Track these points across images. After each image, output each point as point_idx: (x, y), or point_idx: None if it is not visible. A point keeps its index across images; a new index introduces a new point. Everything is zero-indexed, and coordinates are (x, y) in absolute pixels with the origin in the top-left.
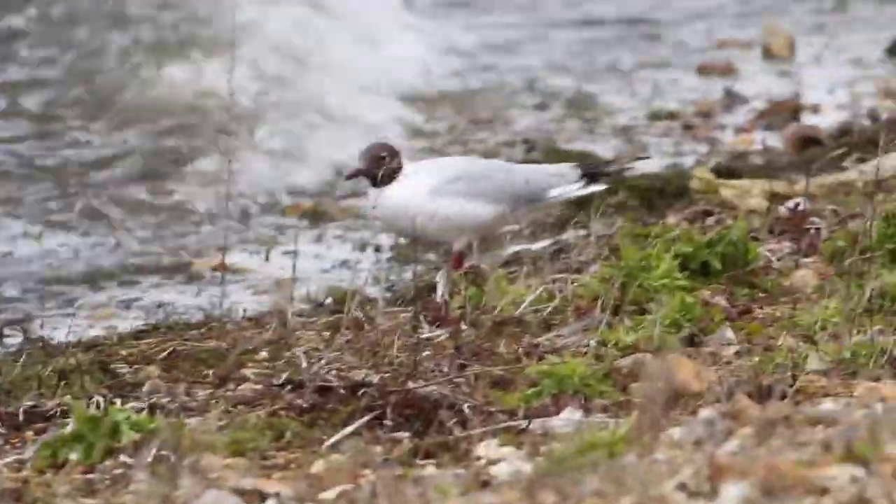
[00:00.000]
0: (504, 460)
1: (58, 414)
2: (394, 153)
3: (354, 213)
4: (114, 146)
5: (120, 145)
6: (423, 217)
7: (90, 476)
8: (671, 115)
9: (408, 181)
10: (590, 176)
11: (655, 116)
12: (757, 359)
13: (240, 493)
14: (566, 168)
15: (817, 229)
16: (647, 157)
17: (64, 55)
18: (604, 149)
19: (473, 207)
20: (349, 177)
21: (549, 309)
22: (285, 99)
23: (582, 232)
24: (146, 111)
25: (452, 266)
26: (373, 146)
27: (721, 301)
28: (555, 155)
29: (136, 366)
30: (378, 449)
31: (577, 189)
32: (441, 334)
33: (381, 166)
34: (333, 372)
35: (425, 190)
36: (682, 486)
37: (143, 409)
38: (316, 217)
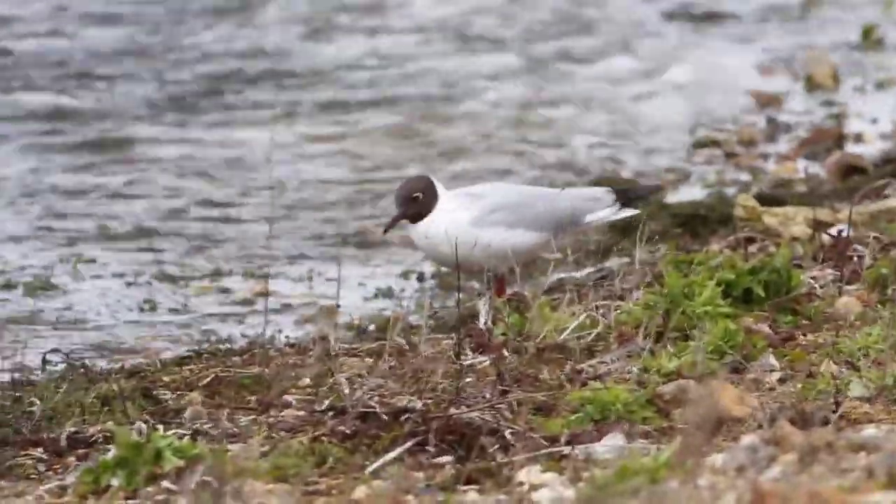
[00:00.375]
0: (546, 486)
1: (100, 440)
2: (427, 187)
3: (399, 240)
4: None
5: None
6: (464, 247)
7: (132, 502)
8: (714, 143)
9: (446, 213)
10: (624, 199)
11: (699, 144)
12: (800, 385)
13: None
14: (601, 192)
15: (860, 257)
16: (676, 182)
17: None
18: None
19: (514, 235)
20: (388, 229)
21: (592, 335)
22: None
23: (625, 259)
24: None
25: (495, 292)
26: (405, 186)
27: (764, 328)
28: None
29: (178, 392)
30: (420, 475)
31: (612, 213)
32: (484, 361)
33: (416, 205)
34: (376, 398)
35: (466, 221)
36: None
37: (185, 436)
38: (361, 244)
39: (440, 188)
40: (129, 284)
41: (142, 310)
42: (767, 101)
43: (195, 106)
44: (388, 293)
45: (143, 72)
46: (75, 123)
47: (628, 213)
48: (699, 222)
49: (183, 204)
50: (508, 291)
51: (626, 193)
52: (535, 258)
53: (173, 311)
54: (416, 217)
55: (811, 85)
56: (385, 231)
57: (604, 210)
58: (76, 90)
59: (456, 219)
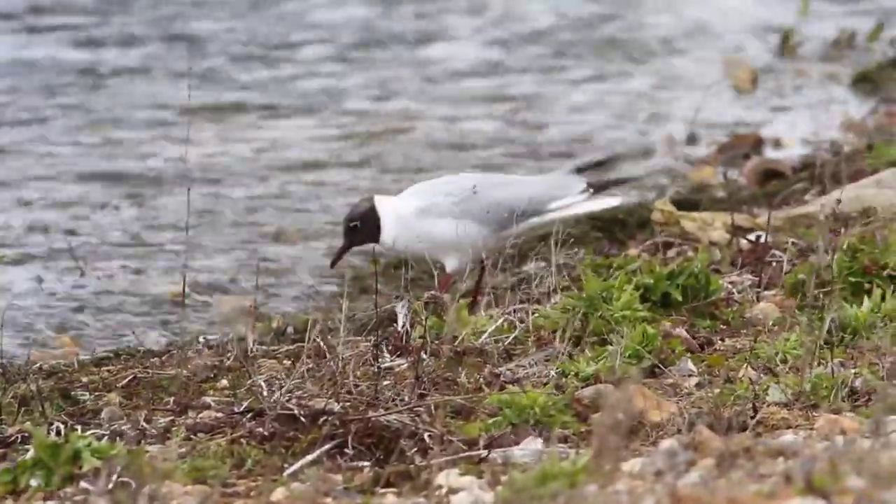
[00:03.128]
0: (465, 489)
1: (18, 440)
2: (362, 213)
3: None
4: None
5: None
6: (409, 239)
7: (51, 502)
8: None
9: (387, 217)
10: (597, 187)
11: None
12: (718, 390)
13: None
14: (570, 178)
15: (778, 262)
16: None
17: None
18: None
19: (460, 226)
20: (334, 263)
21: (510, 339)
22: None
23: (543, 263)
24: None
25: (439, 288)
26: (344, 220)
27: (682, 333)
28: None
29: (96, 392)
30: (339, 477)
31: (582, 201)
32: (402, 363)
33: (357, 234)
34: (294, 400)
35: (411, 213)
36: None
37: (104, 436)
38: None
39: (384, 200)
40: (42, 281)
41: (60, 308)
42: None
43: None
44: (307, 295)
45: None
46: None
47: (604, 202)
48: (617, 226)
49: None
50: (445, 288)
51: (597, 179)
52: (493, 251)
53: (93, 310)
54: (368, 239)
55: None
56: (332, 265)
57: (572, 198)
58: None
59: (402, 214)
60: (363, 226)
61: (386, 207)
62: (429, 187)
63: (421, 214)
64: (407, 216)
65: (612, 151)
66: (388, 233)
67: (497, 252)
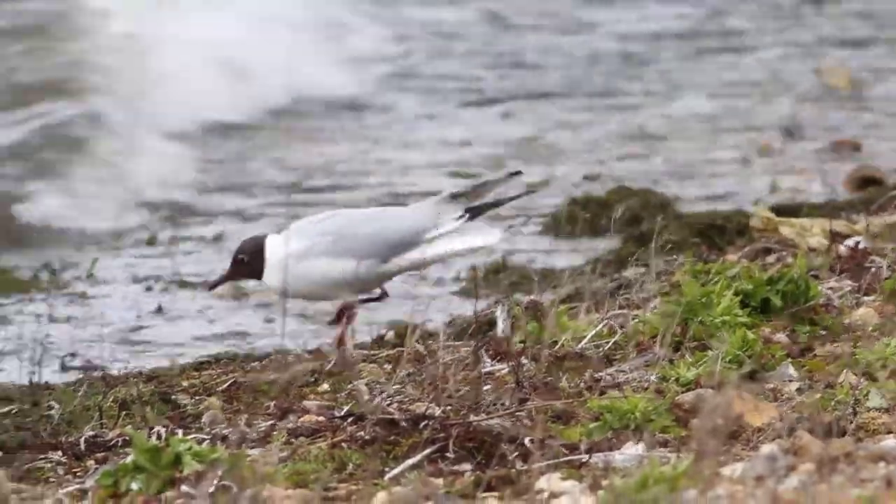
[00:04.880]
0: (566, 494)
1: (119, 444)
2: (252, 247)
3: None
4: None
5: None
6: (294, 281)
7: None
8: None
9: (273, 257)
10: (473, 211)
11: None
12: (818, 395)
13: None
14: (444, 206)
15: (878, 268)
16: (519, 173)
17: None
18: (665, 187)
19: (338, 265)
20: (212, 287)
21: (610, 344)
22: None
23: (642, 268)
24: None
25: (336, 321)
26: (234, 251)
27: (782, 338)
28: (619, 192)
29: (197, 397)
30: (440, 481)
31: (458, 234)
32: (502, 368)
33: (242, 267)
34: (395, 404)
35: (293, 255)
36: None
37: (204, 440)
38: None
39: (272, 239)
40: (148, 289)
41: (160, 314)
42: None
43: None
44: (405, 298)
45: None
46: None
47: (482, 238)
48: (716, 232)
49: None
50: (351, 319)
51: (471, 203)
52: (375, 285)
53: (191, 315)
54: (252, 274)
55: (828, 94)
56: (210, 289)
57: (447, 226)
58: None
59: (283, 257)
60: (249, 262)
61: (271, 249)
62: (307, 226)
63: (301, 257)
64: (288, 259)
65: (487, 176)
66: (272, 275)
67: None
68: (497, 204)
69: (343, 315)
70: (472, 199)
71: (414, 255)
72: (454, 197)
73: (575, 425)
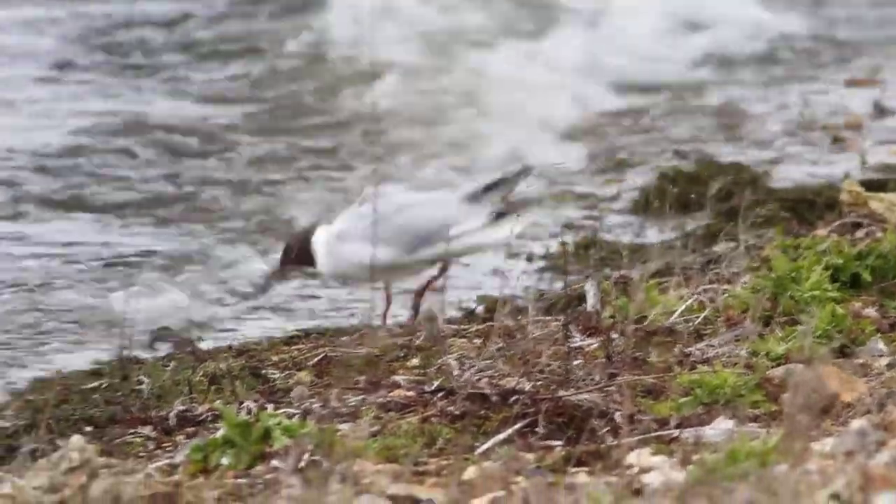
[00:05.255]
0: (655, 469)
1: (209, 419)
2: (297, 241)
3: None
4: None
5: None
6: (336, 264)
7: (241, 481)
8: (822, 127)
9: (317, 242)
10: (499, 213)
11: (804, 129)
12: None
13: (392, 498)
14: (474, 201)
15: None
16: (530, 169)
17: None
18: (753, 160)
19: (371, 251)
20: (265, 288)
21: (700, 319)
22: None
23: (732, 243)
24: None
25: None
26: (284, 245)
27: (872, 313)
28: (709, 167)
29: (287, 371)
30: (530, 456)
31: (481, 229)
32: (592, 343)
33: (292, 260)
34: (485, 379)
35: (334, 235)
36: (834, 497)
37: (294, 415)
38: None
39: (320, 229)
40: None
41: (249, 288)
42: (871, 84)
43: None
44: (496, 274)
45: None
46: None
47: (505, 230)
48: (805, 207)
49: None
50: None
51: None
52: (407, 275)
53: (282, 289)
54: (302, 264)
55: None
56: (263, 292)
57: (475, 221)
58: None
59: (327, 240)
60: (297, 254)
61: (318, 235)
62: (352, 210)
63: (340, 238)
64: (331, 242)
65: (517, 168)
66: (321, 260)
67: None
68: (521, 204)
69: (423, 292)
70: (489, 192)
71: (438, 250)
72: (475, 195)
73: (665, 400)
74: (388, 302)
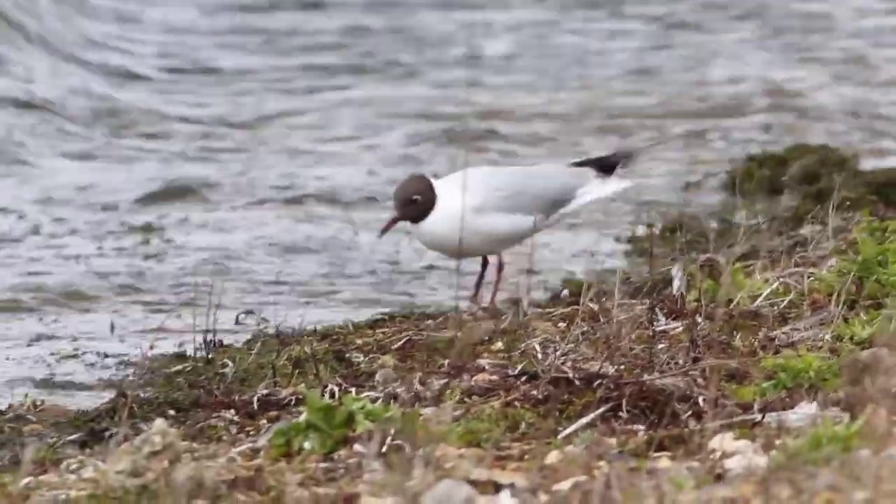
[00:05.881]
0: (739, 453)
1: (292, 402)
2: (425, 188)
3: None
4: None
5: None
6: (468, 235)
7: (324, 465)
8: None
9: (448, 207)
10: (604, 169)
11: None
12: None
13: (474, 483)
14: (583, 169)
15: None
16: (660, 143)
17: None
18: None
19: (514, 220)
20: (384, 231)
21: (785, 303)
22: None
23: (819, 226)
24: None
25: (497, 275)
26: (403, 188)
27: None
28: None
29: (371, 355)
30: (613, 440)
31: (600, 188)
32: (676, 327)
33: (415, 207)
34: (569, 363)
35: (469, 209)
36: None
37: (378, 399)
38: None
39: (438, 184)
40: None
41: (333, 272)
42: None
43: None
44: (582, 256)
45: None
46: None
47: (617, 185)
48: (893, 190)
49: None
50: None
51: (604, 164)
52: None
53: (364, 273)
54: (418, 217)
55: None
56: (381, 234)
57: (590, 185)
58: None
59: (458, 209)
60: (423, 203)
61: (444, 194)
62: (474, 182)
63: (478, 211)
64: (467, 215)
65: (620, 149)
66: (439, 221)
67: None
68: (626, 158)
69: (496, 273)
70: (591, 166)
71: (567, 209)
72: (580, 164)
73: (748, 384)
74: (502, 270)
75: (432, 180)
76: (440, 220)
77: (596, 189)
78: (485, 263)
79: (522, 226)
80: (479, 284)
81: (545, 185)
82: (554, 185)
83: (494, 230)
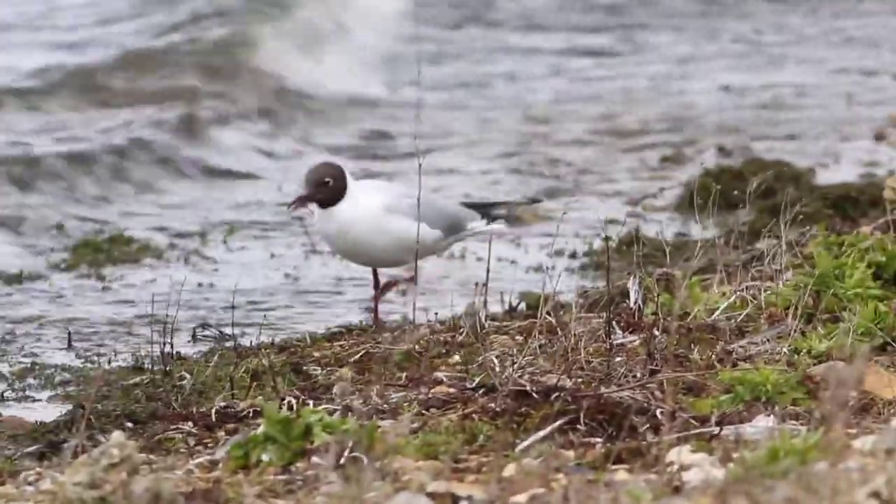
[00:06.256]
0: (696, 466)
1: (250, 415)
2: (338, 174)
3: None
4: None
5: None
6: (376, 234)
7: (282, 477)
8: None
9: (357, 200)
10: (487, 216)
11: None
12: None
13: (431, 496)
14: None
15: None
16: (539, 201)
17: None
18: (800, 158)
19: (422, 228)
20: (293, 206)
21: (742, 316)
22: None
23: (774, 240)
24: None
25: (382, 291)
26: (316, 170)
27: None
28: (752, 164)
29: (328, 367)
30: (571, 453)
31: (483, 226)
32: (634, 340)
33: (325, 190)
34: (526, 376)
35: (379, 206)
36: (874, 495)
37: (335, 411)
38: (511, 221)
39: (350, 177)
40: (273, 256)
41: (289, 283)
42: None
43: None
44: (538, 271)
45: None
46: None
47: (496, 227)
48: (849, 204)
49: None
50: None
51: (487, 211)
52: (428, 256)
53: (320, 285)
54: (325, 202)
55: None
56: (290, 207)
57: (478, 222)
58: None
59: (369, 204)
60: (334, 187)
61: (355, 186)
62: (384, 186)
63: (388, 211)
64: (374, 209)
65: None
66: (348, 210)
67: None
68: (503, 216)
69: (387, 287)
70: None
71: (460, 236)
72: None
73: (706, 397)
74: (415, 282)
75: (347, 173)
76: (349, 210)
77: (481, 225)
78: (376, 282)
79: (428, 236)
80: (377, 303)
81: (446, 205)
82: (453, 209)
83: (403, 233)
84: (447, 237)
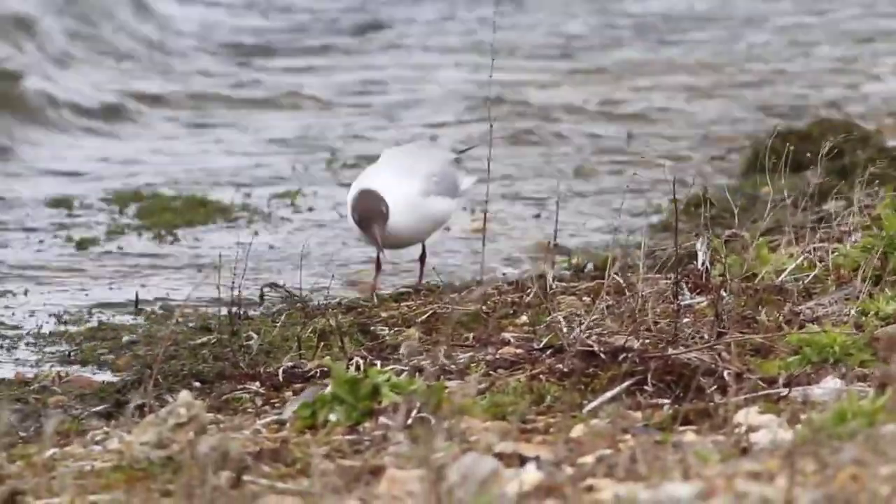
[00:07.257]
0: (764, 428)
1: (317, 375)
2: (379, 197)
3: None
4: None
5: None
6: (416, 220)
7: (349, 437)
8: None
9: (396, 199)
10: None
11: None
12: None
13: (499, 456)
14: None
15: None
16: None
17: None
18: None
19: (449, 204)
20: (383, 252)
21: (810, 278)
22: None
23: (843, 202)
24: None
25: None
26: (369, 205)
27: None
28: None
29: (395, 328)
30: (638, 414)
31: (469, 183)
32: (701, 301)
33: (386, 215)
34: (594, 337)
35: (416, 194)
36: None
37: (403, 372)
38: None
39: (381, 181)
40: (342, 216)
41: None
42: None
43: None
44: (606, 231)
45: None
46: None
47: (470, 180)
48: None
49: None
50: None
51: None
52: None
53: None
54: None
55: None
56: (382, 251)
57: (466, 179)
58: None
59: (408, 195)
60: (386, 207)
61: (387, 192)
62: (403, 168)
63: (424, 195)
64: (413, 197)
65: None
66: (397, 214)
67: None
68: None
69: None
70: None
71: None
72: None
73: (773, 359)
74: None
75: (369, 187)
76: (398, 214)
77: (468, 182)
78: (423, 253)
79: (451, 209)
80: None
81: (453, 171)
82: (454, 171)
83: (441, 213)
84: (459, 203)
